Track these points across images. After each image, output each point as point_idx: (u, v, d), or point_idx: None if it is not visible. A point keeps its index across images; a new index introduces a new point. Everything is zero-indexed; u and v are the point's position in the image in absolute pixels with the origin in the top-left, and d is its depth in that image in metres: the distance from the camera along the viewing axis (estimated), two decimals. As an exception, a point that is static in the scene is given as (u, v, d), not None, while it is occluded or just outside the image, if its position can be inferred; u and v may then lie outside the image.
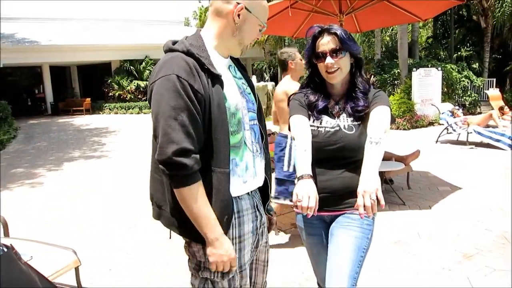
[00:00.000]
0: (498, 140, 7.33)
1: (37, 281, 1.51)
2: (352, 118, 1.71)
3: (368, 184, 1.44)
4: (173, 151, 1.26)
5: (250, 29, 1.44)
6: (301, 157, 1.59)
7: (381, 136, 1.56)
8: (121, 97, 19.20)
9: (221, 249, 1.35)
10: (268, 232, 1.73)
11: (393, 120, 1.70)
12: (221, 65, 1.44)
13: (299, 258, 3.18)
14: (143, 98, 19.10)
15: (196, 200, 1.31)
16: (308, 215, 1.42)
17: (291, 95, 1.85)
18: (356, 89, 1.73)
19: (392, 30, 18.22)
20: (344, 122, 1.71)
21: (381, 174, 4.47)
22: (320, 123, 1.72)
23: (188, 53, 1.34)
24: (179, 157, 1.26)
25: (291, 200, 1.91)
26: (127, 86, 19.23)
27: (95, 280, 3.05)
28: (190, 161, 1.27)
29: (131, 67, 19.51)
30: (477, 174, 5.55)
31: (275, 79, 22.26)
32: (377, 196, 1.41)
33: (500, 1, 15.02)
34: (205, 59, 1.36)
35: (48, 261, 2.68)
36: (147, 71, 19.31)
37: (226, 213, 1.37)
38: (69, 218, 4.58)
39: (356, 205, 1.45)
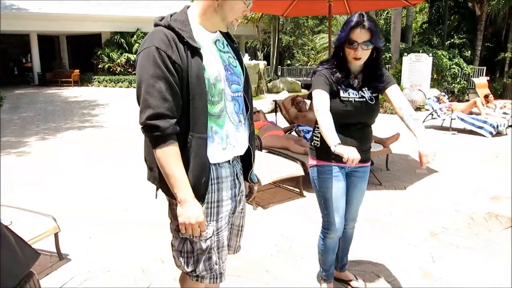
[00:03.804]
0: (480, 127, 7.48)
1: (13, 242, 1.58)
2: (371, 91, 2.15)
3: (428, 148, 1.90)
4: (148, 115, 1.38)
5: (232, 6, 1.48)
6: (331, 128, 1.92)
7: (416, 114, 2.06)
8: (111, 69, 18.95)
9: (190, 211, 1.44)
10: (248, 199, 1.84)
11: None
12: (205, 39, 1.51)
13: (275, 232, 3.31)
14: (133, 72, 18.89)
15: (168, 160, 1.41)
16: (356, 165, 1.83)
17: (314, 70, 2.17)
18: (375, 69, 2.13)
19: (386, 13, 18.11)
20: (366, 94, 2.14)
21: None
22: (349, 94, 2.11)
23: (169, 27, 1.44)
24: (153, 120, 1.38)
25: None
26: (117, 59, 18.96)
27: (75, 247, 3.13)
28: (163, 123, 1.38)
29: (122, 39, 19.20)
30: (455, 159, 5.70)
31: (267, 58, 22.07)
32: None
33: (496, -11, 15.01)
34: (186, 33, 1.44)
35: (28, 226, 2.75)
36: (138, 44, 19.02)
37: (203, 175, 1.48)
38: (51, 187, 4.64)
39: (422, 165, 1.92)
